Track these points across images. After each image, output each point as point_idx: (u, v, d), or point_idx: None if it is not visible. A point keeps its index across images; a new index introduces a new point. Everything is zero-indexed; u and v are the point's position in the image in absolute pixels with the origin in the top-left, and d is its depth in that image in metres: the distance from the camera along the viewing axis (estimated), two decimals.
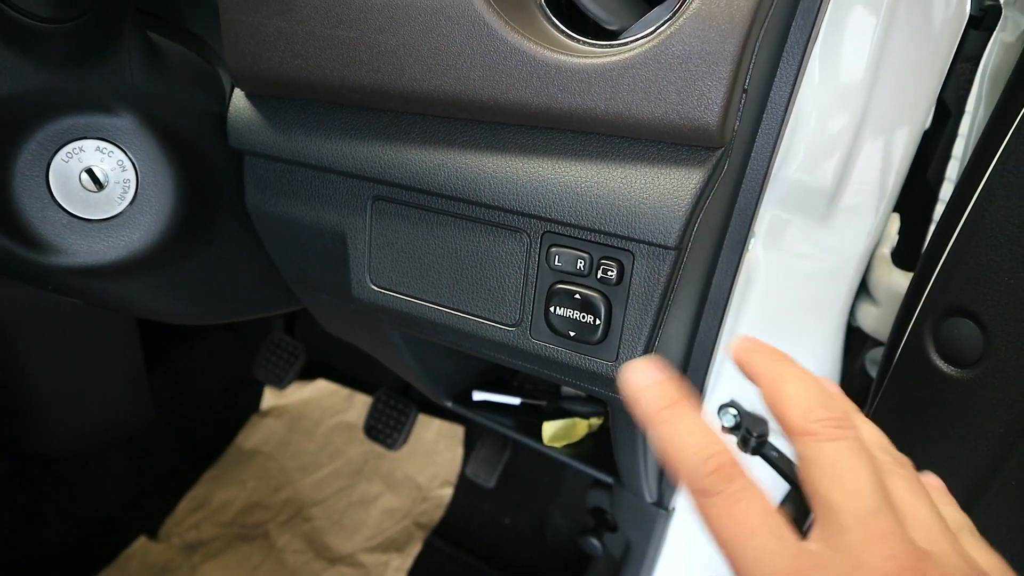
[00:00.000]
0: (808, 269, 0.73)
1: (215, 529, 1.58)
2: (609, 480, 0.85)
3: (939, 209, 0.75)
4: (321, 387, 1.79)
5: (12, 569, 1.36)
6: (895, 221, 0.77)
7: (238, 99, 0.62)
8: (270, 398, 1.80)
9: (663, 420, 0.35)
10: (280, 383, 1.72)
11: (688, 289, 0.55)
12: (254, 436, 1.76)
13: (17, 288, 0.84)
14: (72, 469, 1.46)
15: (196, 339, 1.67)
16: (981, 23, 0.68)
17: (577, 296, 0.51)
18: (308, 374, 1.80)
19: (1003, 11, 0.63)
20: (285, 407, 1.79)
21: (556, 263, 0.51)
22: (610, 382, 0.54)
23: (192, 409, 1.68)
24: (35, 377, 1.19)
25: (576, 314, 0.51)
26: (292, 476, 1.68)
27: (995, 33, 0.64)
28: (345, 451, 1.71)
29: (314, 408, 1.77)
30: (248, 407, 1.80)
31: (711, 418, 0.76)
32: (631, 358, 0.51)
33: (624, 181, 0.47)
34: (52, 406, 1.27)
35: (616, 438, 0.70)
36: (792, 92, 0.52)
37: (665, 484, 0.82)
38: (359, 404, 1.76)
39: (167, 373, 1.59)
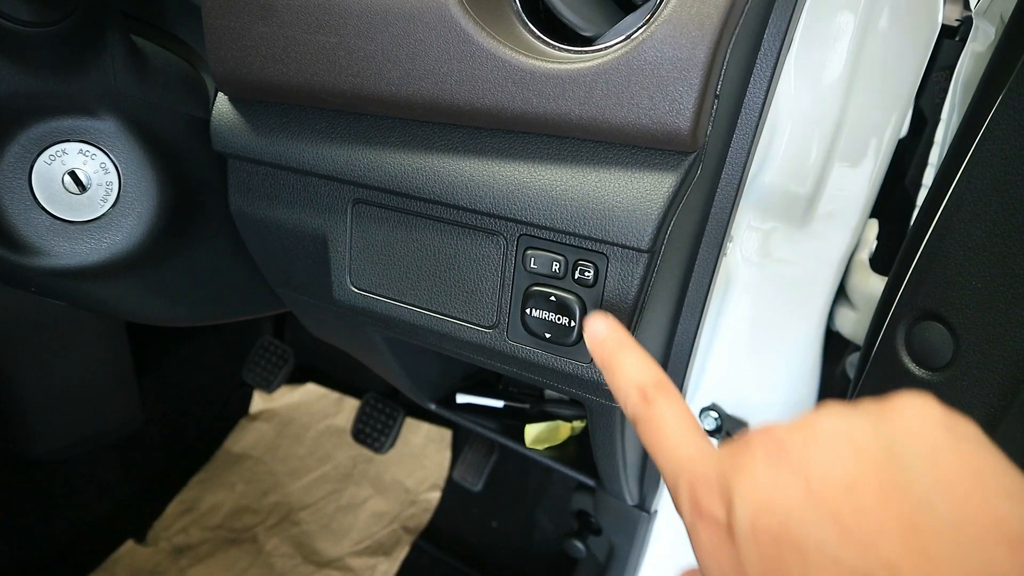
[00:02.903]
0: (787, 274, 0.74)
1: (203, 533, 1.58)
2: (591, 483, 0.86)
3: (913, 220, 0.76)
4: (310, 391, 1.79)
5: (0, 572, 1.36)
6: (873, 227, 0.77)
7: (221, 103, 0.62)
8: (259, 402, 1.80)
9: (608, 364, 0.41)
10: (269, 387, 1.72)
11: (664, 292, 0.55)
12: (243, 440, 1.76)
13: (5, 293, 0.85)
14: (60, 473, 1.46)
15: (185, 343, 1.67)
16: (956, 33, 0.69)
17: (552, 298, 0.52)
18: (297, 378, 1.80)
19: (974, 21, 0.64)
20: (274, 411, 1.79)
21: (532, 265, 0.52)
22: (586, 383, 0.55)
23: (181, 413, 1.68)
24: (23, 381, 1.19)
25: (551, 316, 0.52)
26: (281, 480, 1.68)
27: (967, 43, 0.65)
28: (334, 455, 1.71)
29: (303, 412, 1.78)
30: (237, 411, 1.80)
31: None
32: None
33: (598, 185, 0.48)
34: (40, 410, 1.27)
35: (595, 441, 0.70)
36: (766, 99, 0.53)
37: (647, 487, 0.82)
38: (348, 408, 1.76)
39: (156, 377, 1.60)
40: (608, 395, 0.57)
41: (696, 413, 0.79)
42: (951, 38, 0.69)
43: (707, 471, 0.32)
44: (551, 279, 0.52)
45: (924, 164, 0.76)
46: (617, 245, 0.49)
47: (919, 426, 0.27)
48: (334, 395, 1.78)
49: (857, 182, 0.70)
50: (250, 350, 1.76)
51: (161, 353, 1.61)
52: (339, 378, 1.79)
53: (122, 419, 1.46)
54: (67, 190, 0.58)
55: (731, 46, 0.45)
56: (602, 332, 0.43)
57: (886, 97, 0.68)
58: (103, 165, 0.58)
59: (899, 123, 0.69)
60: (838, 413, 0.29)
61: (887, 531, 0.25)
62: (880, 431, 0.28)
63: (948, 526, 0.24)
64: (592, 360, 0.52)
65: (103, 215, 0.60)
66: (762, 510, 0.28)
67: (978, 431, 0.27)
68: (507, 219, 0.52)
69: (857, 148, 0.69)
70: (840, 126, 0.68)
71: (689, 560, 0.94)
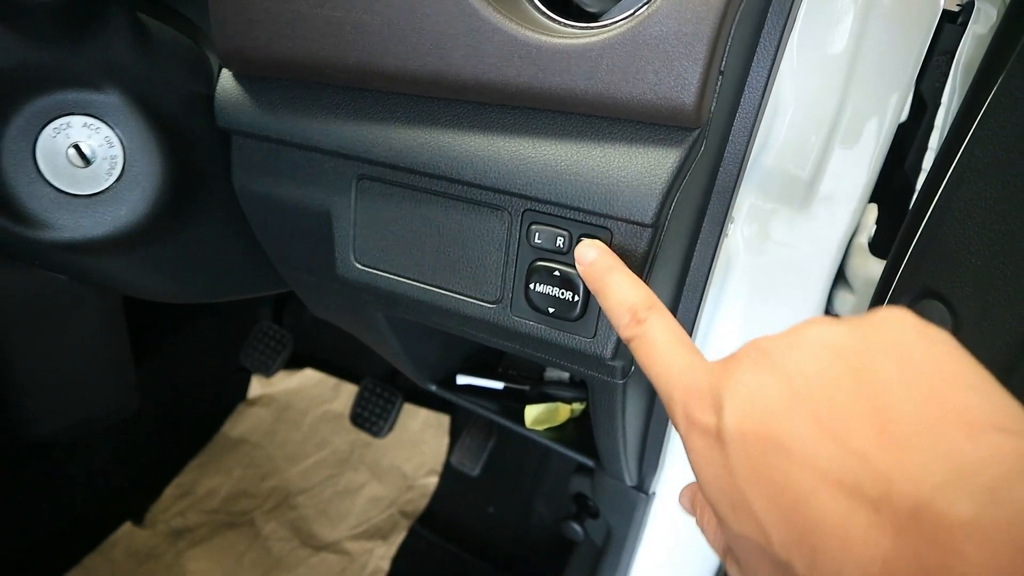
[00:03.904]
0: (786, 256, 0.74)
1: (201, 516, 1.59)
2: (590, 464, 0.87)
3: (914, 201, 0.76)
4: (308, 376, 1.80)
5: None
6: (872, 211, 0.78)
7: (225, 79, 0.62)
8: (257, 387, 1.81)
9: (599, 288, 0.43)
10: (267, 371, 1.72)
11: (666, 269, 0.56)
12: (241, 425, 1.76)
13: (2, 274, 0.85)
14: (58, 456, 1.46)
15: (184, 328, 1.67)
16: (957, 18, 0.69)
17: (556, 273, 0.52)
18: (295, 363, 1.81)
19: (976, 3, 0.64)
20: (272, 396, 1.79)
21: (536, 240, 0.52)
22: (589, 358, 0.55)
23: (179, 397, 1.69)
24: (22, 364, 1.19)
25: (555, 291, 0.52)
26: (278, 465, 1.69)
27: (969, 26, 0.66)
28: (331, 440, 1.72)
29: (301, 397, 1.78)
30: (235, 396, 1.80)
31: None
32: (609, 334, 0.53)
33: (603, 160, 0.49)
34: (39, 393, 1.27)
35: (596, 420, 0.71)
36: (769, 77, 0.53)
37: (646, 468, 0.83)
38: (346, 394, 1.76)
39: (155, 361, 1.60)
40: (611, 371, 0.57)
41: None
42: (952, 22, 0.69)
43: (699, 382, 0.33)
44: (555, 254, 0.52)
45: (924, 149, 0.76)
46: (621, 220, 0.49)
47: (894, 330, 0.29)
48: (332, 380, 1.79)
49: (857, 166, 0.71)
50: (248, 335, 1.77)
51: (159, 337, 1.61)
52: (337, 364, 1.80)
53: (119, 403, 1.46)
54: (71, 163, 0.58)
55: (736, 23, 0.46)
56: (592, 255, 0.45)
57: (887, 81, 0.68)
58: (107, 139, 0.59)
59: (899, 107, 0.70)
60: (821, 322, 0.31)
61: (860, 425, 0.26)
62: (858, 336, 0.29)
63: (914, 417, 0.26)
64: (596, 334, 0.53)
65: (107, 189, 0.60)
66: (747, 412, 0.29)
67: (949, 336, 0.29)
68: (512, 194, 0.52)
69: (858, 132, 0.70)
70: (841, 110, 0.68)
71: (687, 542, 0.95)
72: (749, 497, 0.29)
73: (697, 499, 0.40)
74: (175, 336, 1.65)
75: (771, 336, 0.32)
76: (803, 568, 0.27)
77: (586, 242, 0.46)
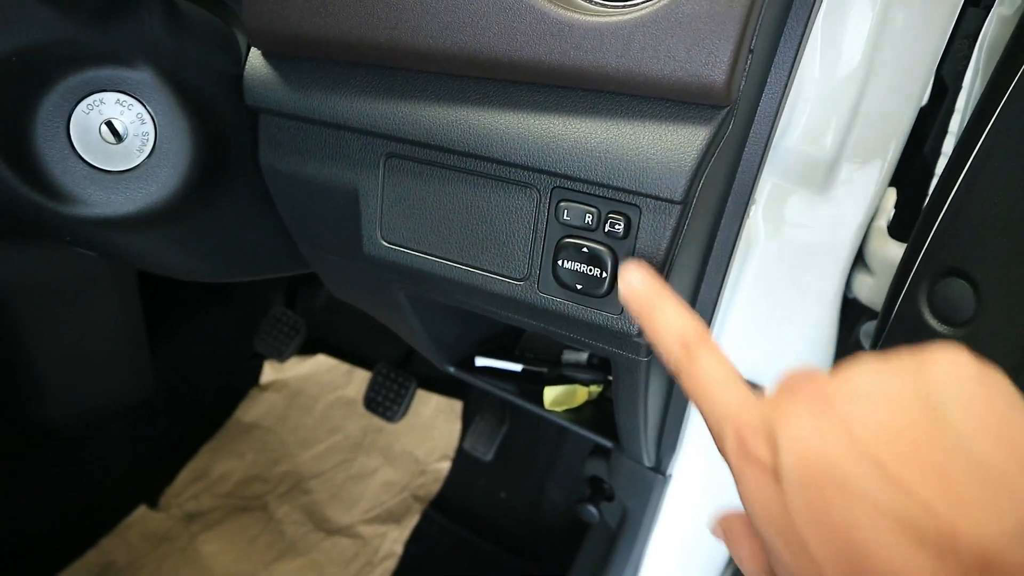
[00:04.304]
0: (806, 239, 0.75)
1: (214, 500, 1.60)
2: (608, 444, 0.87)
3: (937, 181, 0.76)
4: (321, 362, 1.81)
5: (14, 537, 1.38)
6: (892, 195, 0.78)
7: (254, 58, 0.63)
8: (270, 372, 1.82)
9: (647, 314, 0.42)
10: (281, 356, 1.74)
11: (691, 248, 0.56)
12: (254, 409, 1.77)
13: (19, 257, 0.85)
14: (73, 439, 1.47)
15: (197, 313, 1.68)
16: (981, 1, 0.70)
17: (585, 250, 0.53)
18: (308, 349, 1.82)
19: None
20: (285, 381, 1.81)
21: (564, 217, 0.53)
22: (615, 335, 0.56)
23: (192, 382, 1.70)
24: (37, 347, 1.20)
25: (583, 267, 0.53)
26: (291, 449, 1.70)
27: (994, 7, 0.66)
28: (344, 426, 1.73)
29: (313, 383, 1.79)
30: (248, 381, 1.81)
31: None
32: None
33: (633, 137, 0.49)
34: (55, 377, 1.28)
35: (618, 398, 0.71)
36: (796, 57, 0.54)
37: (664, 448, 0.84)
38: (358, 380, 1.78)
39: (168, 346, 1.61)
40: (636, 348, 0.58)
41: None
42: (975, 6, 0.69)
43: (753, 418, 0.33)
44: (583, 231, 0.53)
45: (944, 133, 0.76)
46: (650, 196, 0.49)
47: (953, 378, 0.29)
48: (344, 366, 1.80)
49: (878, 150, 0.71)
50: (262, 320, 1.78)
51: (174, 322, 1.62)
52: (350, 350, 1.81)
53: (134, 387, 1.47)
54: (104, 140, 0.59)
55: (766, 2, 0.46)
56: (638, 282, 0.44)
57: (910, 65, 0.68)
58: (139, 116, 0.59)
59: (921, 91, 0.70)
60: (877, 367, 0.31)
61: (924, 475, 0.27)
62: (917, 383, 0.29)
63: (978, 468, 0.26)
64: (623, 311, 0.54)
65: (139, 165, 0.60)
66: (809, 455, 0.30)
67: (1008, 383, 0.29)
68: (541, 171, 0.53)
69: (880, 115, 0.70)
70: (863, 92, 0.69)
71: (702, 524, 0.96)
72: (805, 535, 0.29)
73: (734, 530, 0.40)
74: (189, 321, 1.66)
75: (828, 377, 0.32)
76: None
77: (630, 266, 0.45)
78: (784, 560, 0.31)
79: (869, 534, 0.27)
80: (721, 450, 0.35)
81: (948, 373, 0.29)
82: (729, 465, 0.35)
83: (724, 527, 0.41)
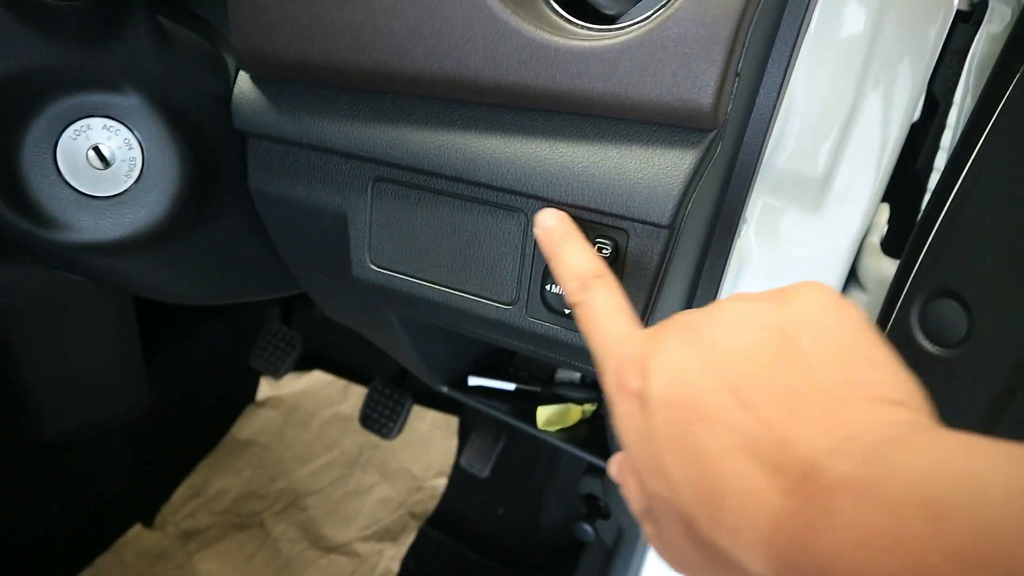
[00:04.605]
0: (799, 256, 0.75)
1: (211, 518, 1.59)
2: (602, 464, 0.87)
3: (928, 199, 0.76)
4: (317, 378, 1.80)
5: (7, 555, 1.37)
6: (884, 211, 0.78)
7: (243, 81, 0.63)
8: (266, 389, 1.81)
9: (553, 254, 0.45)
10: (276, 372, 1.73)
11: (680, 270, 0.56)
12: (250, 426, 1.77)
13: (17, 274, 0.85)
14: (68, 456, 1.47)
15: (193, 329, 1.68)
16: (970, 17, 0.69)
17: None
18: (304, 365, 1.81)
19: (989, 3, 0.65)
20: (281, 398, 1.80)
21: None
22: None
23: (188, 398, 1.69)
24: (33, 363, 1.20)
25: None
26: (288, 466, 1.69)
27: (982, 26, 0.66)
28: (340, 442, 1.72)
29: (310, 399, 1.79)
30: (244, 397, 1.81)
31: None
32: None
33: (620, 161, 0.49)
34: (49, 392, 1.28)
35: (611, 420, 0.71)
36: (784, 78, 0.53)
37: None
38: (354, 395, 1.77)
39: (164, 362, 1.60)
40: None
41: None
42: (965, 22, 0.69)
43: (631, 350, 0.35)
44: None
45: (936, 148, 0.76)
46: (638, 221, 0.49)
47: (810, 308, 0.31)
48: (340, 382, 1.79)
49: (870, 166, 0.71)
50: (257, 337, 1.77)
51: (169, 339, 1.62)
52: (346, 366, 1.80)
53: (129, 404, 1.47)
54: (91, 165, 0.59)
55: (752, 24, 0.46)
56: (551, 222, 0.47)
57: (900, 81, 0.68)
58: (127, 141, 0.59)
59: (912, 107, 0.70)
60: (745, 298, 0.33)
61: (772, 398, 0.28)
62: (778, 314, 0.31)
63: (820, 390, 0.28)
64: None
65: (126, 190, 0.60)
66: (671, 381, 0.31)
67: (861, 313, 0.31)
68: (528, 196, 0.53)
69: (871, 131, 0.70)
70: (854, 109, 0.69)
71: None
72: (665, 458, 0.31)
73: (623, 466, 0.41)
74: (184, 338, 1.66)
75: (697, 310, 0.34)
76: (707, 525, 0.29)
77: (547, 210, 0.48)
78: (650, 486, 0.33)
79: (718, 454, 0.28)
80: (603, 384, 0.37)
81: (807, 303, 0.31)
82: (608, 398, 0.36)
83: (615, 466, 0.43)
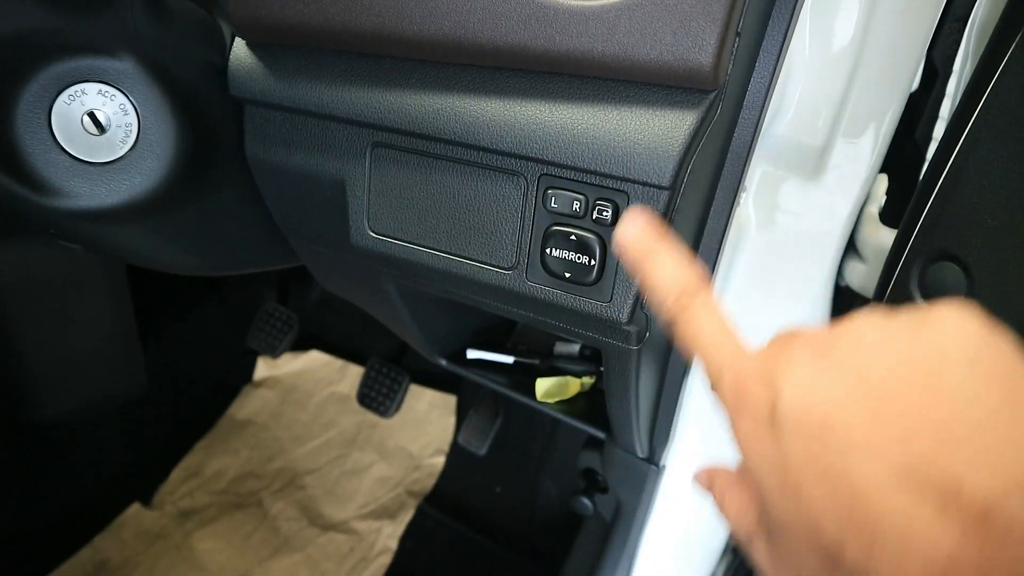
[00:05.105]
0: (797, 226, 0.74)
1: (208, 497, 1.60)
2: (601, 435, 0.87)
3: (927, 164, 0.76)
4: (314, 358, 1.80)
5: (7, 535, 1.37)
6: (883, 181, 0.78)
7: (239, 48, 0.62)
8: (263, 369, 1.81)
9: (644, 267, 0.42)
10: (274, 352, 1.73)
11: (680, 235, 0.56)
12: (247, 406, 1.77)
13: (10, 255, 0.85)
14: (66, 438, 1.47)
15: (189, 310, 1.67)
16: None
17: (573, 237, 0.52)
18: (301, 345, 1.81)
19: None
20: (278, 378, 1.80)
21: (552, 205, 0.52)
22: (604, 323, 0.55)
23: (185, 379, 1.69)
24: (31, 346, 1.19)
25: (571, 255, 0.53)
26: (285, 446, 1.69)
27: None
28: (338, 421, 1.72)
29: (307, 379, 1.79)
30: (241, 378, 1.81)
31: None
32: (625, 299, 0.53)
33: (620, 123, 0.49)
34: (47, 375, 1.28)
35: (609, 388, 0.71)
36: (784, 41, 0.53)
37: (656, 440, 0.83)
38: (351, 375, 1.77)
39: (161, 343, 1.60)
40: (626, 337, 0.58)
41: None
42: None
43: (752, 364, 0.33)
44: (571, 218, 0.52)
45: (935, 118, 0.76)
46: (638, 183, 0.49)
47: (958, 335, 0.29)
48: (338, 362, 1.79)
49: (869, 136, 0.71)
50: (254, 317, 1.77)
51: (165, 320, 1.62)
52: (343, 346, 1.80)
53: (127, 385, 1.46)
54: (86, 131, 0.58)
55: None
56: (633, 232, 0.43)
57: (900, 50, 0.68)
58: (122, 106, 0.59)
59: (912, 76, 0.70)
60: (881, 319, 0.31)
61: (925, 427, 0.27)
62: (921, 337, 0.29)
63: (980, 425, 0.26)
64: (612, 298, 0.53)
65: (122, 157, 0.60)
66: (807, 400, 0.29)
67: (1011, 344, 0.29)
68: (528, 159, 0.52)
69: (870, 101, 0.69)
70: (853, 78, 0.68)
71: (696, 515, 0.95)
72: (802, 482, 0.29)
73: (721, 483, 0.39)
74: (181, 319, 1.66)
75: (828, 328, 0.32)
76: (860, 556, 0.27)
77: (627, 220, 0.44)
78: (778, 508, 0.31)
79: (868, 482, 0.27)
80: (719, 397, 0.35)
81: (954, 330, 0.29)
82: (726, 412, 0.34)
83: (709, 480, 0.41)
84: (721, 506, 0.39)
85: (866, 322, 0.31)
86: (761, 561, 0.35)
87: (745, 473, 0.34)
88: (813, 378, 0.30)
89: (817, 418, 0.29)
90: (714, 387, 0.36)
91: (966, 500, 0.25)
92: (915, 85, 0.74)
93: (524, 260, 0.56)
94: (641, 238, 0.43)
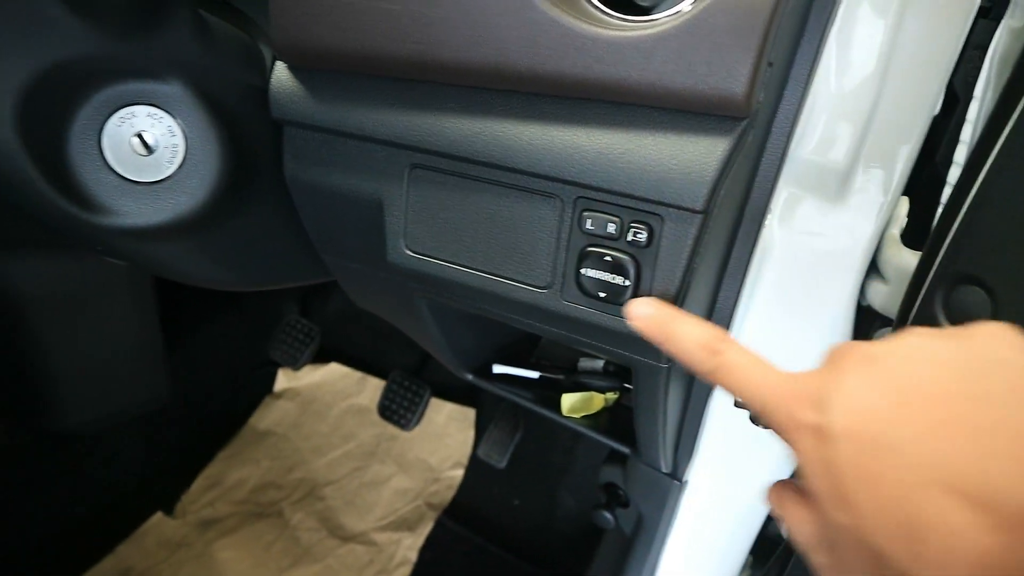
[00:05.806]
0: (821, 247, 0.76)
1: (229, 507, 1.61)
2: (625, 450, 0.88)
3: (947, 192, 0.77)
4: (334, 370, 1.82)
5: (31, 543, 1.39)
6: (904, 203, 0.79)
7: (280, 71, 0.64)
8: (283, 380, 1.83)
9: (667, 337, 0.45)
10: (295, 364, 1.75)
11: (710, 257, 0.57)
12: (268, 417, 1.78)
13: (38, 265, 0.87)
14: (89, 446, 1.49)
15: (211, 321, 1.70)
16: (990, 13, 0.71)
17: (608, 258, 0.54)
18: (321, 358, 1.83)
19: None
20: (298, 389, 1.82)
21: (588, 227, 0.54)
22: (637, 342, 0.56)
23: (206, 390, 1.71)
24: (57, 355, 1.22)
25: (606, 276, 0.54)
26: (305, 457, 1.71)
27: (1003, 20, 0.67)
28: (357, 433, 1.74)
29: (327, 391, 1.80)
30: (262, 389, 1.83)
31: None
32: None
33: (655, 148, 0.50)
34: (72, 384, 1.30)
35: (638, 404, 0.72)
36: (812, 68, 0.55)
37: (680, 455, 0.85)
38: (371, 388, 1.79)
39: (183, 354, 1.62)
40: (657, 355, 0.59)
41: None
42: (985, 17, 0.70)
43: (800, 387, 0.35)
44: (607, 240, 0.54)
45: (955, 142, 0.77)
46: (672, 206, 0.51)
47: (999, 348, 0.31)
48: (357, 375, 1.81)
49: (892, 160, 0.72)
50: (276, 329, 1.79)
51: (189, 331, 1.64)
52: (363, 359, 1.82)
53: (150, 395, 1.48)
54: (135, 152, 0.60)
55: (784, 16, 0.47)
56: (648, 310, 0.47)
57: (922, 75, 0.69)
58: (170, 128, 0.61)
59: (934, 101, 0.71)
60: (925, 334, 0.33)
61: (968, 434, 0.28)
62: (964, 352, 0.31)
63: (1018, 438, 0.28)
64: None
65: (169, 177, 0.62)
66: (856, 412, 0.31)
67: None
68: (565, 182, 0.54)
69: (893, 125, 0.71)
70: (877, 102, 0.70)
71: (717, 531, 0.96)
72: (853, 490, 0.31)
73: (784, 497, 0.41)
74: (203, 329, 1.68)
75: (872, 343, 0.34)
76: (905, 559, 0.29)
77: (636, 300, 0.49)
78: (832, 518, 0.32)
79: (915, 489, 0.28)
80: (773, 426, 0.37)
81: (994, 344, 0.31)
82: (784, 439, 0.36)
83: (774, 495, 0.42)
84: (785, 520, 0.40)
85: (914, 337, 0.33)
86: (821, 570, 0.37)
87: (805, 484, 0.36)
88: (862, 392, 0.32)
89: (866, 428, 0.31)
90: (766, 420, 0.37)
91: (1003, 503, 0.27)
92: (937, 110, 0.75)
93: (559, 280, 0.57)
94: (656, 311, 0.47)
